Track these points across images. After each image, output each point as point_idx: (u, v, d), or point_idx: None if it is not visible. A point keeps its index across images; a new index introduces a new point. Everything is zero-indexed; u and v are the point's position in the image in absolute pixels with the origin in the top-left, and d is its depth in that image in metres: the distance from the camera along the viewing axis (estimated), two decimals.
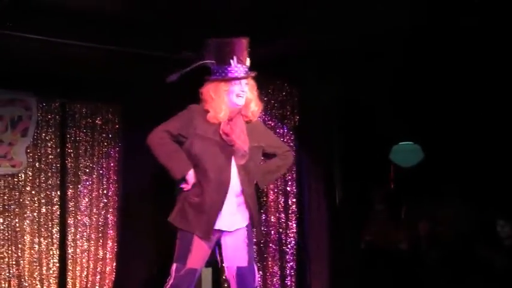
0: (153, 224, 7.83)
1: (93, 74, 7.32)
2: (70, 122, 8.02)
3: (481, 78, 6.54)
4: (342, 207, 7.54)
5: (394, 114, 7.57)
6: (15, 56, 6.63)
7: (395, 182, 8.36)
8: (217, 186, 3.73)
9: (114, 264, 8.08)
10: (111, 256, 8.09)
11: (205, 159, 3.74)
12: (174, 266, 3.76)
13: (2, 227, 7.55)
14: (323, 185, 7.17)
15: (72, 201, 7.94)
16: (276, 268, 7.10)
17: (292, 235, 7.09)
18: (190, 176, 3.75)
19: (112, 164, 8.21)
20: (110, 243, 8.09)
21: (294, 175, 7.12)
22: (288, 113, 7.21)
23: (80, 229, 7.95)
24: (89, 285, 7.94)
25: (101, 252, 8.04)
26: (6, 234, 7.57)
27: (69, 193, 7.94)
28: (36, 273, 7.67)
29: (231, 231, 3.82)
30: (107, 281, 8.05)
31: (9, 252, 7.57)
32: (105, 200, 8.13)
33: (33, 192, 7.74)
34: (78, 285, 7.89)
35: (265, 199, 7.13)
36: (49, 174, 7.84)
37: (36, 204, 7.74)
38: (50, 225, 7.81)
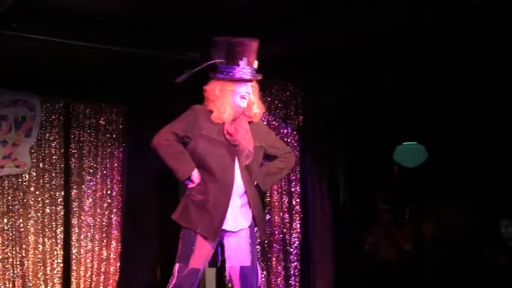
0: (157, 224, 7.83)
1: (97, 74, 7.33)
2: (74, 123, 8.02)
3: (485, 78, 6.53)
4: (346, 208, 7.55)
5: (397, 114, 7.56)
6: (19, 57, 6.64)
7: (399, 182, 8.34)
8: (222, 187, 3.74)
9: (118, 264, 8.07)
10: (115, 256, 8.09)
11: (210, 159, 3.75)
12: (176, 266, 3.76)
13: (6, 228, 7.56)
14: (327, 185, 7.16)
15: (76, 201, 7.95)
16: (280, 268, 7.10)
17: (296, 235, 7.08)
18: (195, 176, 3.76)
19: (116, 165, 8.21)
20: (113, 243, 8.09)
21: (298, 175, 7.11)
22: (292, 113, 7.21)
23: (84, 229, 7.96)
24: (93, 286, 7.94)
25: (104, 253, 8.05)
26: (11, 234, 7.58)
27: (73, 193, 7.95)
28: (40, 274, 7.67)
29: (234, 232, 3.82)
30: (111, 281, 8.05)
31: (14, 252, 7.58)
32: (109, 201, 8.13)
33: (37, 192, 7.74)
34: (82, 285, 7.89)
35: (269, 199, 7.13)
36: (53, 174, 7.85)
37: (40, 205, 7.75)
38: (54, 226, 7.82)
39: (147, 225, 7.94)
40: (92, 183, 8.05)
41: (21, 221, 7.64)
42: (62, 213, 7.87)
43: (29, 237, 7.66)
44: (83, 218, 7.97)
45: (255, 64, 3.80)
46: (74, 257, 7.90)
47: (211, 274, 7.33)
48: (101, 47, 6.37)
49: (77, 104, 8.03)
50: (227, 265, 3.87)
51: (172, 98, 6.39)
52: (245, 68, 3.74)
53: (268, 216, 7.07)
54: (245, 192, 3.81)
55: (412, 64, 6.61)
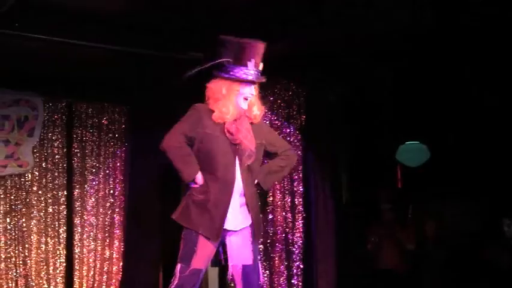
0: (159, 224, 7.84)
1: (99, 74, 7.33)
2: (76, 122, 8.03)
3: (487, 78, 6.53)
4: (348, 207, 7.54)
5: (400, 113, 7.56)
6: (21, 57, 6.65)
7: (401, 181, 8.34)
8: (223, 186, 3.74)
9: (121, 263, 8.09)
10: (117, 256, 8.10)
11: (214, 157, 3.75)
12: (178, 266, 3.75)
13: (9, 227, 7.58)
14: (329, 185, 7.17)
15: (78, 201, 7.96)
16: (282, 267, 7.10)
17: (299, 235, 7.08)
18: (199, 178, 3.76)
19: (118, 164, 8.22)
20: (116, 242, 8.10)
21: (301, 175, 7.11)
22: (294, 112, 7.21)
23: (86, 229, 7.97)
24: (95, 285, 7.96)
25: (107, 252, 8.06)
26: (13, 234, 7.60)
27: (75, 193, 7.96)
28: (43, 273, 7.69)
29: (236, 231, 3.82)
30: (114, 281, 8.06)
31: (16, 252, 7.59)
32: (112, 200, 8.14)
33: (39, 192, 7.76)
34: (84, 284, 7.90)
35: (271, 199, 7.13)
36: (56, 174, 7.86)
37: (43, 204, 7.76)
38: (57, 225, 7.83)
39: (150, 225, 7.94)
40: (94, 183, 8.06)
41: (24, 220, 7.65)
42: (65, 212, 7.88)
43: (32, 237, 7.67)
44: (86, 218, 7.98)
45: (261, 66, 3.81)
46: (76, 256, 7.91)
47: (214, 274, 7.33)
48: (104, 46, 6.37)
49: (79, 103, 8.04)
50: (229, 264, 3.88)
51: (175, 97, 6.39)
52: (252, 70, 3.75)
53: (270, 216, 7.08)
54: (244, 191, 3.80)
55: (412, 64, 6.60)
